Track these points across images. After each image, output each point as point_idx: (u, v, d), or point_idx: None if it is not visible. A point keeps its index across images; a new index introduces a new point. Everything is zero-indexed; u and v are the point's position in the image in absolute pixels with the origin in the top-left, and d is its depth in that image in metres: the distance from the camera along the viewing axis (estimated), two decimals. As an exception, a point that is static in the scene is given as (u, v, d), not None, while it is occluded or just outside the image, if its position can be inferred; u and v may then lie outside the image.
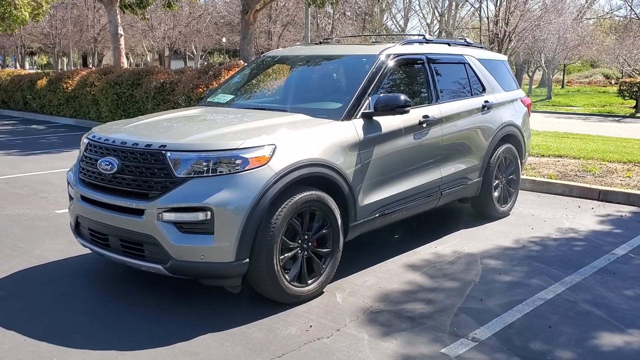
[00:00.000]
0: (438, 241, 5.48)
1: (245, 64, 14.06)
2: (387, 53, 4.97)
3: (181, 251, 3.69)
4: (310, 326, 3.72)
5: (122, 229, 3.89)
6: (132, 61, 49.07)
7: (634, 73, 30.10)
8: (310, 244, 4.10)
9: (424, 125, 5.04)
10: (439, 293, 4.27)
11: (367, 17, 37.68)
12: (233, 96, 5.33)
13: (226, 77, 12.48)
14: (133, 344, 3.50)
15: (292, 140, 4.03)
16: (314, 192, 4.02)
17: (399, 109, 4.51)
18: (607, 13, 43.04)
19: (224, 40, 43.17)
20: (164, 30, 39.96)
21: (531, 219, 6.31)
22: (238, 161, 3.74)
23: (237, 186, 3.69)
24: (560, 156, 9.51)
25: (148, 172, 3.80)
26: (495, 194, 6.14)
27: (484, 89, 6.08)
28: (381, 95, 4.61)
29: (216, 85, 12.45)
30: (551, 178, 7.83)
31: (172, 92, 13.49)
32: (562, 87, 46.73)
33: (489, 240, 5.52)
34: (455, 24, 36.46)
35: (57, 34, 40.80)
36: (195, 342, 3.53)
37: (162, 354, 3.40)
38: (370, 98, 4.60)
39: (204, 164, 3.72)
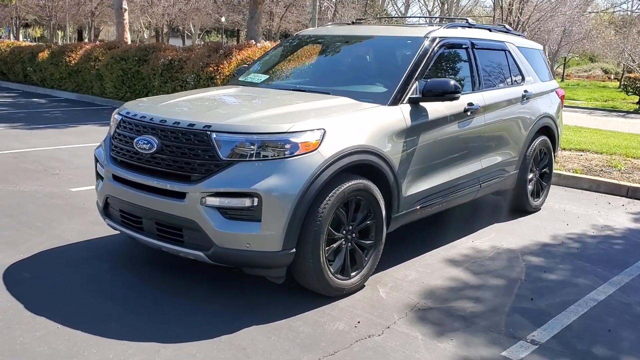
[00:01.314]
0: (474, 235, 5.29)
1: (254, 42, 13.77)
2: (433, 36, 4.73)
3: (225, 238, 3.47)
4: (358, 322, 3.52)
5: (160, 212, 3.65)
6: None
7: (638, 68, 29.95)
8: (353, 235, 3.89)
9: (468, 113, 4.83)
10: (486, 291, 4.08)
11: (368, 1, 37.22)
12: (267, 76, 5.08)
13: (237, 57, 12.20)
14: (174, 336, 3.29)
15: (341, 125, 3.80)
16: (361, 180, 3.80)
17: (449, 94, 4.29)
18: (610, 8, 42.83)
19: (223, 19, 42.55)
20: (164, 6, 39.31)
21: (564, 215, 6.13)
22: (287, 146, 3.51)
23: (286, 172, 3.47)
24: (582, 150, 9.33)
25: (191, 153, 3.56)
26: (530, 187, 5.95)
27: (523, 78, 5.87)
28: (429, 79, 4.38)
29: (228, 65, 12.16)
30: (577, 172, 7.65)
31: (181, 69, 13.17)
32: (562, 80, 46.60)
33: (525, 236, 5.34)
34: (457, 12, 36.08)
35: (54, 6, 40.03)
36: (241, 335, 3.33)
37: (206, 347, 3.19)
38: (417, 83, 4.37)
39: (252, 147, 3.49)
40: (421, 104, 4.38)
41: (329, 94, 4.38)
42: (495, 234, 5.36)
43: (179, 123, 3.66)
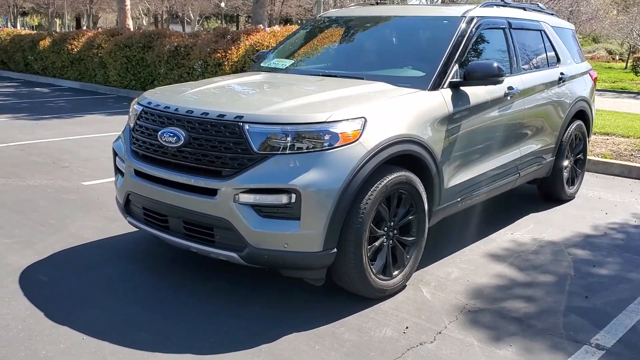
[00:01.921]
0: (511, 227, 5.01)
1: (262, 27, 13.40)
2: (471, 15, 4.41)
3: (261, 238, 3.19)
4: (407, 327, 3.25)
5: (188, 210, 3.37)
6: (129, 24, 47.68)
7: (647, 49, 29.47)
8: (395, 231, 3.61)
9: (508, 97, 4.53)
10: (536, 289, 3.81)
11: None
12: (292, 61, 4.77)
13: (245, 42, 11.85)
14: (208, 345, 3.02)
15: (382, 113, 3.50)
16: (403, 172, 3.52)
17: (493, 78, 3.99)
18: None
19: (222, 4, 41.98)
20: (164, -8, 38.75)
21: (600, 203, 5.85)
22: (327, 136, 3.22)
23: (326, 165, 3.18)
24: (608, 134, 9.02)
25: (222, 146, 3.27)
26: (565, 174, 5.66)
27: (558, 60, 5.56)
28: (471, 62, 4.08)
29: (236, 51, 11.81)
30: (606, 158, 7.36)
31: (187, 56, 12.84)
32: (568, 61, 45.88)
33: (565, 227, 5.06)
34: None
35: (52, -6, 39.46)
36: (281, 343, 3.06)
37: (246, 359, 2.92)
38: (456, 65, 4.07)
39: (287, 139, 3.20)
40: (462, 88, 4.08)
41: (362, 79, 4.08)
42: (533, 225, 5.08)
43: (207, 114, 3.36)
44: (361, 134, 3.30)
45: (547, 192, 5.69)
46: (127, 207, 3.88)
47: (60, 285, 3.66)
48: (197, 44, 12.74)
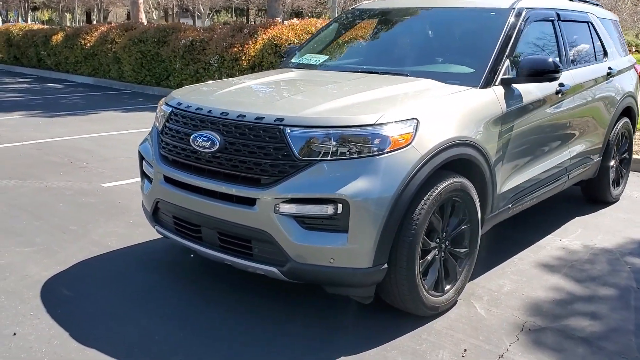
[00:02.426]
0: (558, 232, 4.70)
1: (279, 20, 13.11)
2: (520, 7, 4.09)
3: (304, 252, 2.92)
4: (465, 350, 2.97)
5: (224, 220, 3.10)
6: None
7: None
8: (447, 243, 3.32)
9: (559, 95, 4.21)
10: (599, 304, 3.51)
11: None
12: (325, 57, 4.47)
13: (263, 36, 11.55)
14: (251, 372, 2.76)
15: (434, 114, 3.20)
16: (457, 179, 3.22)
17: (548, 74, 3.67)
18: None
19: (234, -3, 41.64)
20: (174, -15, 38.48)
21: (647, 205, 5.52)
22: (377, 140, 2.92)
23: (376, 173, 2.89)
24: (643, 130, 8.63)
25: (260, 152, 2.99)
26: (611, 175, 5.34)
27: (605, 53, 5.23)
28: (525, 57, 3.77)
29: (253, 45, 11.52)
30: (647, 156, 7.00)
31: (203, 51, 12.57)
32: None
33: (616, 232, 4.74)
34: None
35: (63, -12, 39.32)
36: (331, 370, 2.79)
37: (293, 388, 2.65)
38: (507, 61, 3.77)
39: (334, 143, 2.91)
40: (514, 85, 3.77)
41: (406, 75, 3.78)
42: (581, 230, 4.76)
43: (244, 116, 3.08)
44: (414, 137, 3.00)
45: (592, 194, 5.38)
46: (155, 215, 3.61)
47: (86, 300, 3.41)
48: (213, 38, 12.47)
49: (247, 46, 11.63)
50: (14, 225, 4.61)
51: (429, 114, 3.16)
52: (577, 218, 5.07)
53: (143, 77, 14.20)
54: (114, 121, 9.80)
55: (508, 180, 3.76)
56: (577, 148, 4.63)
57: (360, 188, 2.84)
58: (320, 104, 3.16)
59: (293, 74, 4.11)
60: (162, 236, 3.66)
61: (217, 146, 3.09)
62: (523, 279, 3.82)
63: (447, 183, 3.14)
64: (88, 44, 15.83)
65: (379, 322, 3.20)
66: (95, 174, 6.22)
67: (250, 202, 2.99)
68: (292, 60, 4.60)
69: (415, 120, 3.05)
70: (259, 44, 11.50)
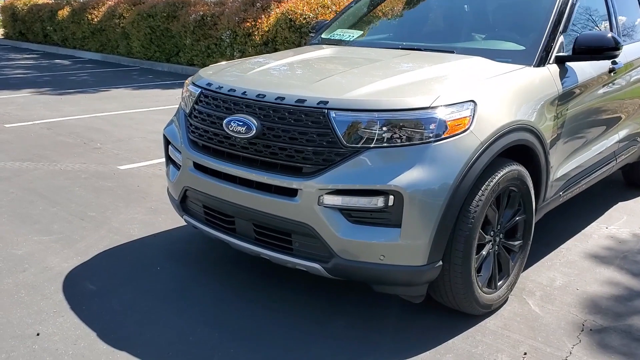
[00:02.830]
0: (602, 219, 4.44)
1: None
2: (572, -23, 3.77)
3: (351, 248, 2.67)
4: (525, 353, 2.73)
5: (261, 212, 2.85)
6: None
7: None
8: (501, 236, 3.07)
9: (612, 73, 3.92)
10: (661, 300, 3.27)
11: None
12: (360, 32, 4.18)
13: (276, 10, 11.20)
14: (296, 379, 2.53)
15: (491, 95, 2.93)
16: (515, 167, 2.96)
17: (608, 51, 3.38)
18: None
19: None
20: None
21: (692, 189, 5.25)
22: (432, 125, 2.65)
23: (433, 161, 2.63)
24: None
25: (302, 138, 2.72)
26: (656, 158, 5.05)
27: (651, 29, 4.90)
28: (582, 33, 3.48)
29: (266, 20, 11.16)
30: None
31: (214, 26, 12.22)
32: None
33: (664, 219, 4.48)
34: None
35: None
36: (382, 377, 2.56)
37: (344, 398, 2.43)
38: (562, 37, 3.47)
39: (384, 128, 2.64)
40: (568, 64, 3.49)
41: (452, 52, 3.50)
42: (627, 217, 4.50)
43: (283, 98, 2.81)
44: (472, 122, 2.73)
45: (636, 178, 5.10)
46: (183, 204, 3.37)
47: (111, 296, 3.19)
48: (224, 13, 12.10)
49: (260, 21, 11.27)
50: (30, 211, 4.38)
51: (486, 95, 2.88)
52: (619, 204, 4.80)
53: (152, 53, 13.87)
54: (125, 99, 9.52)
55: (561, 166, 3.50)
56: (625, 130, 4.35)
57: (415, 178, 2.58)
58: (366, 84, 2.88)
59: (328, 51, 3.81)
60: (189, 225, 3.42)
61: (254, 132, 2.82)
62: (574, 271, 3.57)
63: (504, 172, 2.88)
64: (95, 19, 15.47)
65: (427, 322, 2.97)
66: (110, 156, 5.98)
67: (291, 192, 2.74)
68: (322, 36, 4.30)
69: (472, 103, 2.78)
70: (273, 18, 11.14)
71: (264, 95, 2.87)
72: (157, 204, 4.56)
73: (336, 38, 4.16)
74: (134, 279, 3.38)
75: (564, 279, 3.47)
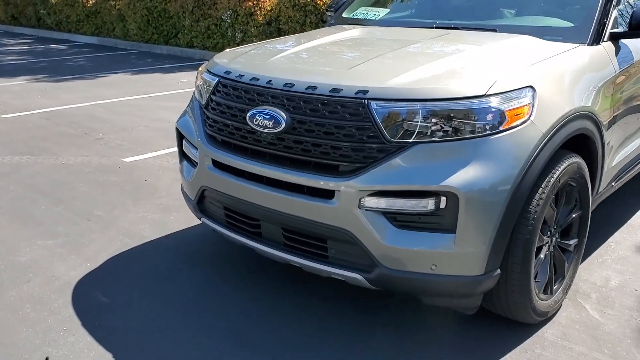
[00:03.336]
0: (647, 208, 4.14)
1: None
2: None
3: (397, 256, 2.36)
4: (593, 368, 2.45)
5: (291, 215, 2.54)
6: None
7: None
8: (557, 236, 2.77)
9: (666, 51, 3.58)
10: None
11: None
12: (386, 10, 3.83)
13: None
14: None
15: (548, 79, 2.60)
16: (574, 159, 2.65)
17: (669, 27, 3.04)
18: None
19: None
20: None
21: None
22: (489, 116, 2.33)
23: (491, 157, 2.31)
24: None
25: (339, 132, 2.40)
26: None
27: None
28: (637, 7, 3.14)
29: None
30: None
31: (214, 5, 11.79)
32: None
33: None
34: None
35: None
36: (439, 403, 2.27)
37: None
38: (615, 11, 3.13)
39: (433, 120, 2.32)
40: (622, 41, 3.15)
41: (495, 30, 3.16)
42: (672, 205, 4.20)
43: (315, 88, 2.48)
44: (532, 111, 2.41)
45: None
46: (201, 205, 3.05)
47: (126, 309, 2.89)
48: (224, -8, 11.65)
49: (262, 0, 10.84)
50: (32, 211, 4.07)
51: (544, 80, 2.55)
52: (660, 190, 4.50)
53: (150, 35, 13.44)
54: (125, 85, 9.15)
55: (616, 154, 3.19)
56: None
57: (471, 177, 2.27)
58: (410, 70, 2.54)
59: (354, 32, 3.46)
60: (204, 225, 3.11)
61: (283, 126, 2.50)
62: (629, 269, 3.28)
63: (565, 165, 2.57)
64: (90, 1, 14.99)
65: (478, 333, 2.68)
66: (113, 147, 5.65)
67: (327, 194, 2.43)
68: (344, 15, 3.95)
69: (531, 89, 2.45)
70: (275, -4, 10.72)
71: (292, 85, 2.54)
72: (167, 200, 4.25)
73: (359, 17, 3.81)
74: (150, 288, 3.08)
75: (619, 278, 3.17)
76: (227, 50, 3.41)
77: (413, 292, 2.52)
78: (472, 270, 2.35)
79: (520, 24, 3.24)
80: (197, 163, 2.97)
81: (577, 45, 2.93)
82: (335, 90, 2.43)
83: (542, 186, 2.45)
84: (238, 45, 11.49)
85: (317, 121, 2.45)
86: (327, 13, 4.35)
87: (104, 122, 6.66)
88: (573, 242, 2.87)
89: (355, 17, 3.85)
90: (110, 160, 5.22)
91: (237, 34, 11.42)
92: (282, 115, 2.51)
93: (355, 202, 2.36)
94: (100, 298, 2.99)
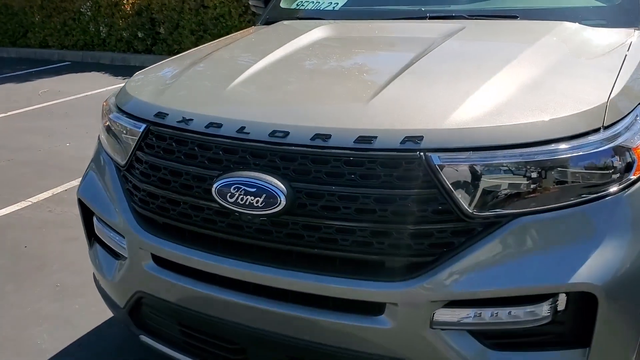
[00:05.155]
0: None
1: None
2: None
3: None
4: None
5: (307, 342, 1.58)
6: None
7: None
8: None
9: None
10: None
11: None
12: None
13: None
14: None
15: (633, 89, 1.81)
16: None
17: None
18: None
19: None
20: None
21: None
22: (616, 162, 1.49)
23: (631, 225, 1.49)
24: None
25: (383, 209, 1.46)
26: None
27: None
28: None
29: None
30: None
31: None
32: None
33: None
34: None
35: None
36: None
37: None
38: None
39: (534, 175, 1.45)
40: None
41: (515, 17, 2.33)
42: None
43: (327, 137, 1.51)
44: (652, 142, 1.61)
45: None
46: (136, 318, 1.97)
47: None
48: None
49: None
50: None
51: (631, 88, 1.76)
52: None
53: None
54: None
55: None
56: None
57: (609, 263, 1.43)
58: (468, 94, 1.62)
59: (320, 32, 2.38)
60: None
61: (282, 203, 1.50)
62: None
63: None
64: None
65: None
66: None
67: (371, 308, 1.49)
68: (283, 6, 2.94)
69: (635, 111, 1.65)
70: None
71: (286, 134, 1.54)
72: (63, 277, 3.07)
73: (308, 8, 2.82)
74: None
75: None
76: (141, 71, 2.28)
77: None
78: (612, 398, 1.52)
79: (544, 5, 2.42)
80: (123, 256, 1.88)
81: (632, 29, 2.17)
82: (365, 139, 1.48)
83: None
84: (104, 42, 9.93)
85: (341, 193, 1.48)
86: (252, 3, 3.30)
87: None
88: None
89: (301, 7, 2.86)
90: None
91: (101, 28, 9.87)
92: (279, 186, 1.51)
93: (424, 320, 1.45)
94: None
